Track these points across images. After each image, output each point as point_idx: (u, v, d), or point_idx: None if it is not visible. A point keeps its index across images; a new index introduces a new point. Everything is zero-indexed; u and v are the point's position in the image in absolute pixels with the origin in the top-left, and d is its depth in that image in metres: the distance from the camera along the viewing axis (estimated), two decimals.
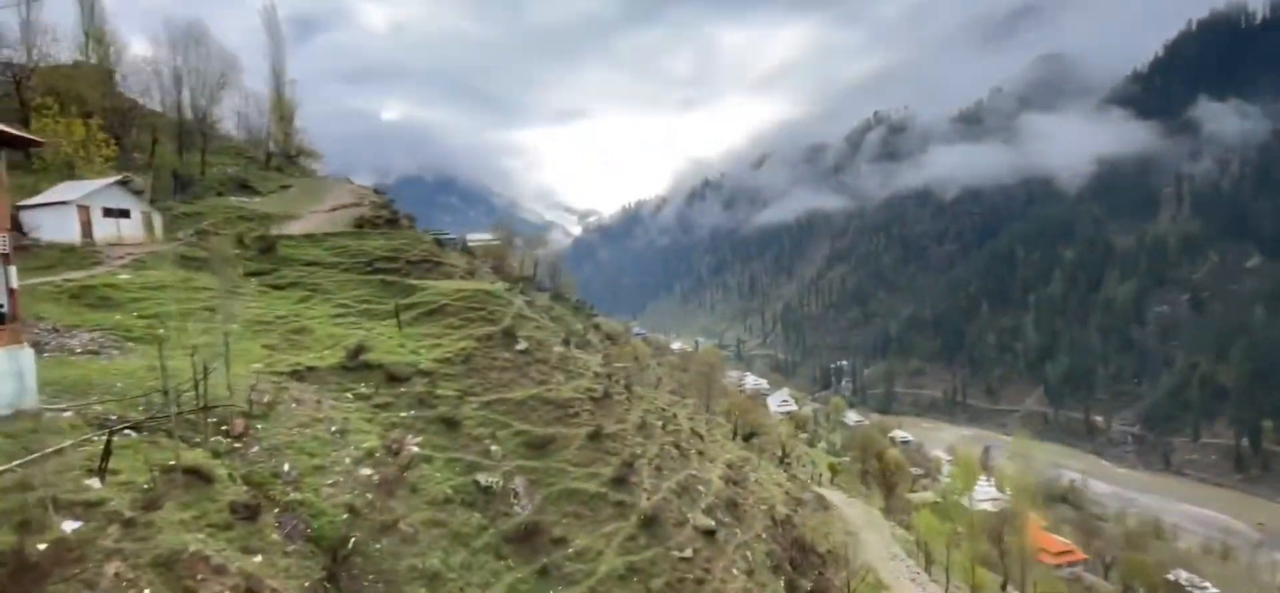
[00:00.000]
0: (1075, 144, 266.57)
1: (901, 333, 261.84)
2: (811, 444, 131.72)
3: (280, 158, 63.31)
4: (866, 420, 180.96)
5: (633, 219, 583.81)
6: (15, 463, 11.88)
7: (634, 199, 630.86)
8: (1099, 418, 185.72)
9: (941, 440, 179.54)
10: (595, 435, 27.69)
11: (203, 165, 49.27)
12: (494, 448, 24.62)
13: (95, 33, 48.01)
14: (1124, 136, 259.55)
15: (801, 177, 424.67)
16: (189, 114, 55.40)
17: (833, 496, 70.13)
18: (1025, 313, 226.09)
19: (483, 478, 23.02)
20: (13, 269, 14.94)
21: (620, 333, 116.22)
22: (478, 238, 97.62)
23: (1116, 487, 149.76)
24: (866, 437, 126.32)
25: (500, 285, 41.46)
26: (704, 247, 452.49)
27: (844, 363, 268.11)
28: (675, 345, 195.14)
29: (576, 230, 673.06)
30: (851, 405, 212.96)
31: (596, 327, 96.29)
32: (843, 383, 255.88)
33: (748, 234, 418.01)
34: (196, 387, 17.47)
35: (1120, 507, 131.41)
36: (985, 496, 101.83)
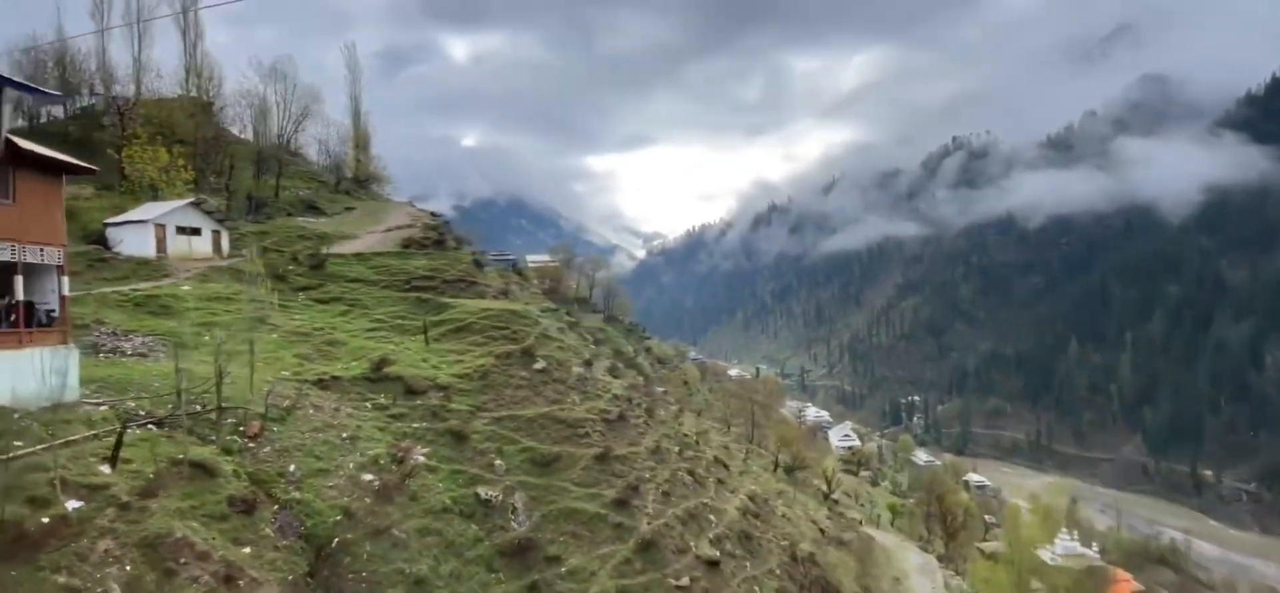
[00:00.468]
0: (1180, 171, 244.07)
1: (980, 369, 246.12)
2: (874, 483, 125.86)
3: (350, 182, 68.30)
4: (937, 461, 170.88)
5: (696, 243, 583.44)
6: (39, 447, 13.59)
7: (698, 223, 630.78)
8: (1208, 472, 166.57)
9: (1023, 487, 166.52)
10: (603, 457, 27.96)
11: (277, 188, 54.05)
12: (498, 463, 25.40)
13: (195, 68, 54.06)
14: (1237, 163, 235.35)
15: (873, 203, 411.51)
16: (275, 141, 61.17)
17: (886, 538, 66.57)
18: (1121, 353, 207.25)
19: (483, 491, 23.79)
20: (66, 279, 17.14)
21: (671, 357, 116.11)
22: (537, 259, 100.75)
23: (1227, 550, 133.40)
24: (934, 478, 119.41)
25: (535, 306, 42.82)
26: (768, 272, 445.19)
27: (915, 398, 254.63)
28: (733, 372, 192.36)
29: (640, 254, 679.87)
30: (922, 444, 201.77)
31: (648, 350, 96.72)
32: (913, 420, 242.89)
33: (814, 260, 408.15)
34: (217, 389, 19.24)
35: (1229, 572, 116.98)
36: (1066, 549, 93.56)
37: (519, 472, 25.48)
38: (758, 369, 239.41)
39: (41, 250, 16.13)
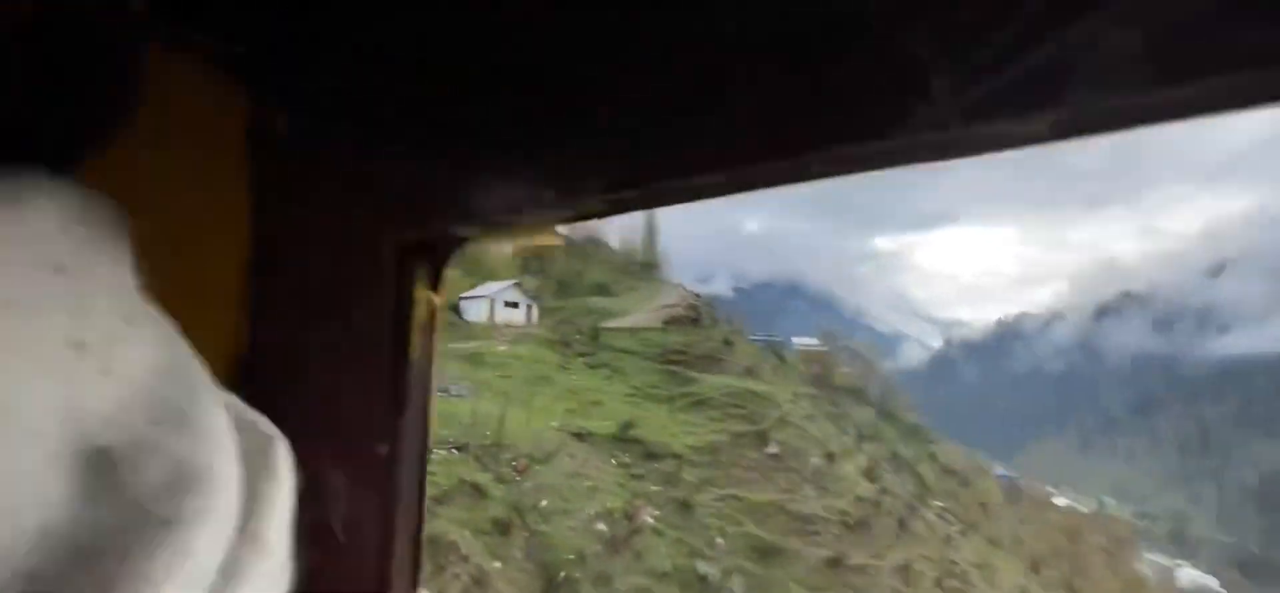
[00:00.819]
0: None
1: None
2: None
3: (638, 266, 78.52)
4: None
5: (1010, 334, 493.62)
6: None
7: (1013, 311, 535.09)
8: None
9: None
10: (835, 562, 25.88)
11: (581, 272, 65.50)
12: (720, 541, 25.64)
13: None
14: None
15: None
16: (586, 234, 74.91)
17: None
18: None
19: (702, 566, 24.27)
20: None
21: (967, 469, 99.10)
22: (805, 342, 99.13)
23: None
24: None
25: (784, 390, 42.41)
26: (1120, 378, 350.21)
27: None
28: (1060, 501, 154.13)
29: (936, 343, 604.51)
30: None
31: (932, 456, 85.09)
32: None
33: (1194, 366, 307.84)
34: (499, 429, 24.24)
35: None
36: None
37: (739, 555, 25.27)
38: (1099, 502, 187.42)
39: None
